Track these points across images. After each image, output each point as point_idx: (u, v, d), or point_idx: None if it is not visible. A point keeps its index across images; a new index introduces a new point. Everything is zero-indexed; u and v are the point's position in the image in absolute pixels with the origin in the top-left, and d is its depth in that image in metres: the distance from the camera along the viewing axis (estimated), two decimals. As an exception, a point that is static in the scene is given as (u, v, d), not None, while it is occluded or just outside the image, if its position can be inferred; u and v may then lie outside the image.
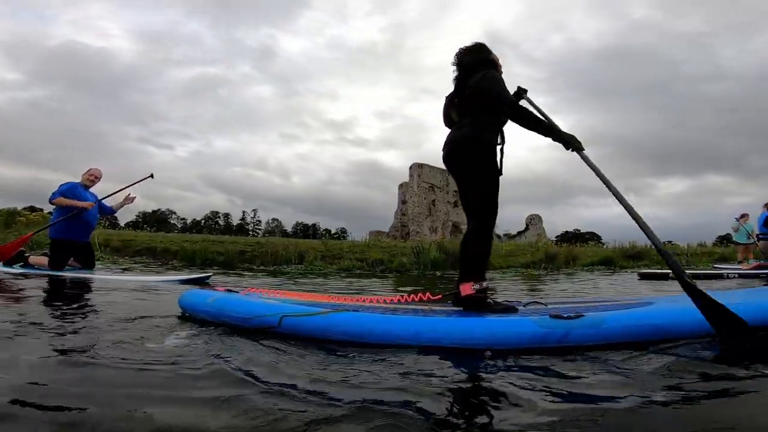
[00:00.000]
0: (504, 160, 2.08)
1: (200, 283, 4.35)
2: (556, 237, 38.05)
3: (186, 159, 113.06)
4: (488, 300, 1.95)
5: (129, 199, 4.96)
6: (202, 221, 70.42)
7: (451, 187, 36.17)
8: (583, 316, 1.46)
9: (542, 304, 2.13)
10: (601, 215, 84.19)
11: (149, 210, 67.33)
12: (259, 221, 74.85)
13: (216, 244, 11.61)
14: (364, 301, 2.33)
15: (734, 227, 8.21)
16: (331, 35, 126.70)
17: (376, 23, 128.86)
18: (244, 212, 76.50)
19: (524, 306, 2.04)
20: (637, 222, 1.60)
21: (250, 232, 63.53)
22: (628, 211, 1.64)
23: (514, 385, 1.10)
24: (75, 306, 2.53)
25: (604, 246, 18.53)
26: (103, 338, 1.60)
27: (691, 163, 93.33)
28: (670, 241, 18.25)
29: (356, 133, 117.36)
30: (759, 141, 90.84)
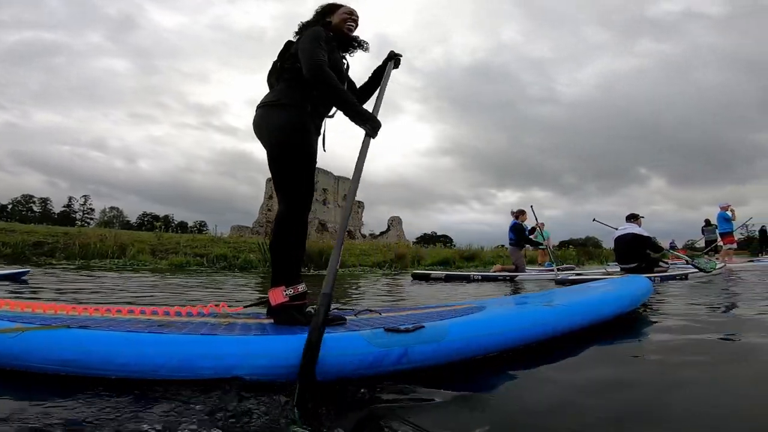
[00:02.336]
0: (327, 135, 1.78)
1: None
2: (416, 239, 41.09)
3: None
4: (308, 309, 1.60)
5: None
6: (9, 206, 55.64)
7: (320, 184, 36.01)
8: (423, 327, 1.25)
9: (376, 312, 1.88)
10: (454, 220, 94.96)
11: None
12: (92, 209, 62.64)
13: (3, 233, 9.10)
14: (122, 312, 1.67)
15: (534, 234, 9.98)
16: (215, 14, 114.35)
17: (270, 10, 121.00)
18: (70, 198, 63.05)
19: (356, 315, 1.77)
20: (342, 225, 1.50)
21: (78, 222, 52.42)
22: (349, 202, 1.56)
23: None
24: None
25: (455, 247, 20.52)
26: None
27: (522, 177, 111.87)
28: (502, 245, 21.40)
29: (225, 120, 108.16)
30: (574, 162, 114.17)
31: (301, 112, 1.64)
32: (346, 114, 1.61)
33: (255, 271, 8.55)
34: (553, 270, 6.84)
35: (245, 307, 1.97)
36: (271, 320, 1.59)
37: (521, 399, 1.09)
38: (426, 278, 6.13)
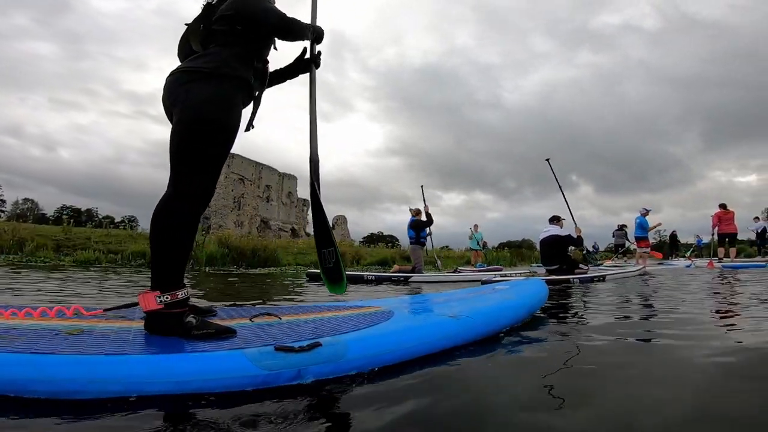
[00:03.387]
0: (259, 112, 1.62)
1: None
2: (363, 238, 41.01)
3: None
4: (188, 318, 1.27)
5: None
6: None
7: (263, 181, 34.75)
8: (319, 345, 1.10)
9: (276, 316, 1.62)
10: (401, 220, 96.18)
11: None
12: (3, 201, 55.57)
13: None
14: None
15: (469, 235, 10.28)
16: (163, 1, 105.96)
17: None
18: (-23, 188, 55.32)
19: (251, 320, 1.51)
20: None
21: (-17, 213, 46.24)
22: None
23: None
24: None
25: (400, 247, 20.63)
26: None
27: (467, 180, 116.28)
28: (447, 246, 21.94)
29: (162, 110, 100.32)
30: (513, 167, 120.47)
31: (234, 85, 1.41)
32: (303, 39, 1.65)
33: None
34: (483, 270, 7.00)
35: (106, 311, 1.66)
36: (143, 327, 1.30)
37: (433, 404, 0.98)
38: (319, 278, 5.84)
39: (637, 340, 1.71)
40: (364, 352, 1.18)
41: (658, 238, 25.11)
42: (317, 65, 1.78)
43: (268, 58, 1.66)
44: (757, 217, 12.31)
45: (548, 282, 4.90)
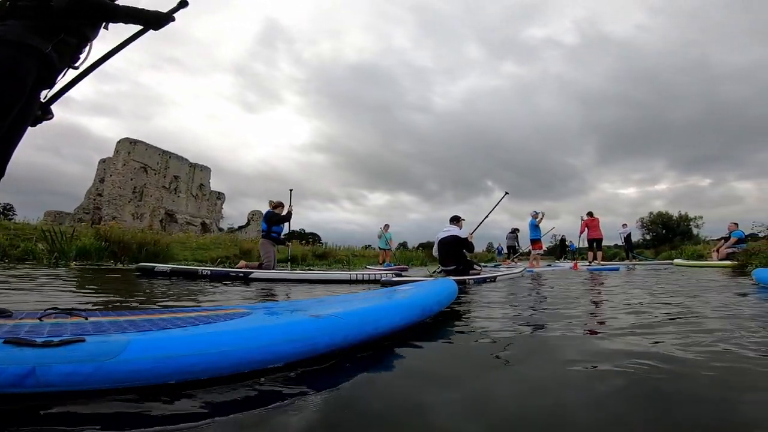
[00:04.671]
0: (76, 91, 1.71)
1: None
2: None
3: None
4: None
5: None
6: None
7: (170, 170, 31.73)
8: (82, 341, 0.95)
9: (80, 315, 1.40)
10: (325, 218, 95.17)
11: None
12: None
13: None
14: None
15: (378, 234, 10.28)
16: None
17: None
18: None
19: (40, 319, 1.32)
20: None
21: None
22: None
23: None
24: None
25: (323, 246, 20.08)
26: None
27: (392, 181, 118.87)
28: (369, 245, 21.87)
29: (54, 88, 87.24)
30: (436, 170, 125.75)
31: (22, 52, 1.43)
32: (138, 23, 1.68)
33: (33, 263, 6.67)
34: (391, 270, 6.91)
35: None
36: None
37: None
38: (151, 272, 5.34)
39: (525, 336, 1.69)
40: (150, 354, 0.97)
41: (555, 242, 27.77)
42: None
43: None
44: (625, 224, 14.07)
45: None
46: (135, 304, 2.58)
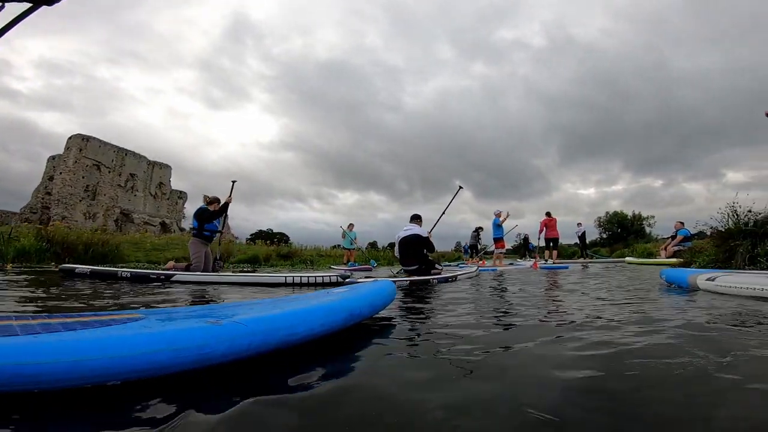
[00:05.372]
0: None
1: None
2: (251, 235, 38.31)
3: None
4: None
5: None
6: None
7: (126, 168, 30.18)
8: None
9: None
10: (293, 217, 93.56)
11: None
12: None
13: None
14: None
15: (342, 234, 10.20)
16: None
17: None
18: None
19: None
20: None
21: None
22: None
23: None
24: None
25: (291, 245, 19.61)
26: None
27: (362, 180, 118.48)
28: (337, 245, 21.60)
29: (2, 81, 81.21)
30: (406, 170, 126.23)
31: None
32: None
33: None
34: (354, 270, 6.82)
35: None
36: None
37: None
38: (72, 273, 5.13)
39: (490, 333, 1.70)
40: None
41: (519, 241, 28.56)
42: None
43: None
44: (579, 223, 14.64)
45: (412, 283, 4.85)
46: (32, 307, 2.40)
